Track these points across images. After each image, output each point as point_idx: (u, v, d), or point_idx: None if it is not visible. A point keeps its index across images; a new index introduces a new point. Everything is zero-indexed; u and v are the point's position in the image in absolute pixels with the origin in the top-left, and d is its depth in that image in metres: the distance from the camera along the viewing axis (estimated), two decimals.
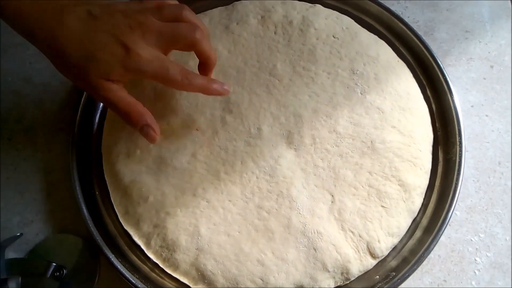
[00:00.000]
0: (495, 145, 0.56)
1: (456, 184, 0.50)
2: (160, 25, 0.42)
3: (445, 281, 0.50)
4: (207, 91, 0.46)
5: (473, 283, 0.50)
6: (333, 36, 0.58)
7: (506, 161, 0.55)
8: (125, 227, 0.51)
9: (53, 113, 0.60)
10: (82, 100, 0.57)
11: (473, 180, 0.54)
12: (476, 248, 0.51)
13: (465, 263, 0.51)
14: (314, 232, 0.48)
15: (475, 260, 0.51)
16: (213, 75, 0.56)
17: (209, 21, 0.60)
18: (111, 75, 0.41)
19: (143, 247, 0.50)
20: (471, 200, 0.53)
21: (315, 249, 0.47)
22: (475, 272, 0.50)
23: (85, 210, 0.51)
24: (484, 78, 0.60)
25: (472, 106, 0.58)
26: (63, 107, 0.60)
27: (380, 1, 0.60)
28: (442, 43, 0.62)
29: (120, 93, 0.43)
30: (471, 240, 0.52)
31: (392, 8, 0.60)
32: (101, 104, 0.59)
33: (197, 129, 0.54)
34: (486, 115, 0.58)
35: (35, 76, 0.62)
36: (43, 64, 0.63)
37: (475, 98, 0.59)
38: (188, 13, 0.45)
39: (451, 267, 0.50)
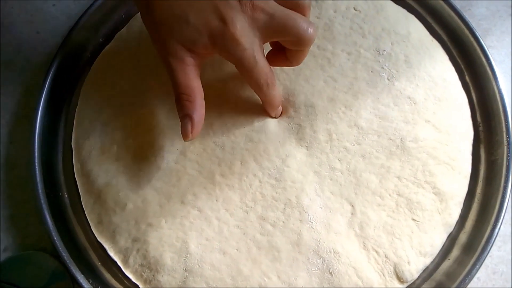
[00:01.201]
0: None
1: (504, 192, 0.41)
2: (275, 6, 0.36)
3: None
4: (273, 108, 0.42)
5: None
6: (354, 8, 0.48)
7: None
8: (99, 239, 0.42)
9: (16, 97, 0.50)
10: (48, 80, 0.47)
11: None
12: None
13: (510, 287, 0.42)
14: (330, 252, 0.39)
15: None
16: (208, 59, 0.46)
17: None
18: (195, 46, 0.36)
19: (120, 264, 0.41)
20: None
21: (330, 273, 0.38)
22: None
23: (47, 217, 0.42)
24: None
25: None
26: (29, 89, 0.50)
27: None
28: (482, 20, 0.52)
29: (188, 71, 0.37)
30: None
31: None
32: (74, 90, 0.49)
33: None
34: None
35: None
36: (6, 39, 0.53)
37: None
38: (310, 6, 0.38)
39: None
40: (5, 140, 0.49)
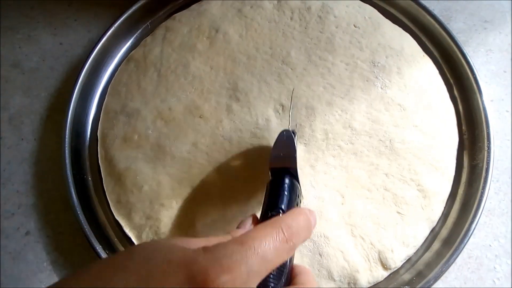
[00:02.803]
0: None
1: (482, 193, 0.45)
2: None
3: None
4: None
5: None
6: (354, 25, 0.53)
7: None
8: (116, 217, 0.47)
9: (40, 100, 0.56)
10: (78, 85, 0.53)
11: (493, 181, 0.48)
12: (496, 255, 0.46)
13: (483, 270, 0.45)
14: (321, 236, 0.43)
15: (494, 267, 0.46)
16: (221, 60, 0.52)
17: (221, 4, 0.56)
18: None
19: (133, 239, 0.46)
20: (490, 202, 0.48)
21: (320, 255, 0.42)
22: (494, 281, 0.45)
23: (74, 196, 0.47)
24: (505, 71, 0.55)
25: (491, 101, 0.53)
26: (52, 94, 0.57)
27: None
28: (459, 33, 0.57)
29: None
30: (490, 245, 0.46)
31: None
32: (100, 89, 0.55)
33: (200, 117, 0.49)
34: (507, 111, 0.52)
35: (23, 61, 0.59)
36: (32, 49, 0.60)
37: (495, 92, 0.54)
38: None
39: (468, 275, 0.45)
40: (30, 137, 0.54)
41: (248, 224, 0.34)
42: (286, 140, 0.39)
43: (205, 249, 0.25)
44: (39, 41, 0.60)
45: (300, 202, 0.37)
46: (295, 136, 0.41)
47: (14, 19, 0.61)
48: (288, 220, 0.29)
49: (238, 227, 0.34)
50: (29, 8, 0.62)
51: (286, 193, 0.35)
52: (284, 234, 0.27)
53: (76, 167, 0.50)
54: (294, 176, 0.37)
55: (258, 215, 0.36)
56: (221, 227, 0.44)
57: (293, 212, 0.31)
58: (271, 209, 0.33)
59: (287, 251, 0.27)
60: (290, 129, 0.42)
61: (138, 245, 0.30)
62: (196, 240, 0.28)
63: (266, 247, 0.26)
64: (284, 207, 0.33)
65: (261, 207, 0.37)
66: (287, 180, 0.36)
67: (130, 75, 0.53)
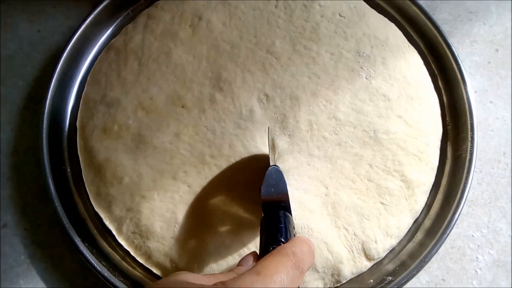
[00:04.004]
0: (500, 134, 0.51)
1: (465, 183, 0.45)
2: None
3: (443, 280, 0.45)
4: None
5: (474, 282, 0.45)
6: (339, 14, 0.52)
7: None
8: (96, 209, 0.46)
9: (17, 90, 0.54)
10: (56, 74, 0.51)
11: (476, 171, 0.48)
12: (478, 245, 0.47)
13: (466, 261, 0.46)
14: (304, 227, 0.43)
15: (477, 257, 0.46)
16: (204, 49, 0.51)
17: None
18: None
19: (114, 232, 0.45)
20: (473, 193, 0.48)
21: None
22: (476, 271, 0.46)
23: (52, 187, 0.46)
24: (489, 62, 0.55)
25: (475, 92, 0.53)
26: (29, 82, 0.55)
27: None
28: (444, 24, 0.57)
29: None
30: (473, 236, 0.47)
31: None
32: (79, 78, 0.53)
33: (183, 106, 0.48)
34: (491, 102, 0.53)
35: (1, 48, 0.56)
36: (9, 36, 0.57)
37: (479, 83, 0.54)
38: None
39: (451, 265, 0.46)
40: (6, 128, 0.53)
41: (250, 261, 0.34)
42: (276, 176, 0.39)
43: (224, 283, 0.26)
44: (16, 28, 0.58)
45: (296, 233, 0.38)
46: None
47: None
48: (293, 248, 0.30)
49: (239, 265, 0.34)
50: None
51: (283, 226, 0.35)
52: (292, 261, 0.29)
53: (54, 158, 0.48)
54: (286, 208, 0.38)
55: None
56: (204, 219, 0.44)
57: (295, 240, 0.32)
58: (272, 243, 0.33)
59: (298, 276, 0.29)
60: (274, 163, 0.41)
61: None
62: (205, 276, 0.29)
63: (281, 274, 0.27)
64: (283, 239, 0.34)
65: (258, 245, 0.37)
66: (281, 214, 0.36)
67: (110, 64, 0.52)
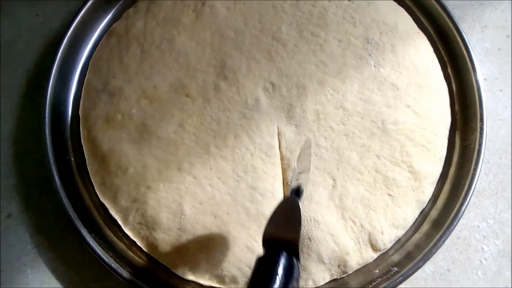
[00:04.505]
0: (509, 124, 0.50)
1: (473, 175, 0.45)
2: None
3: (448, 270, 0.45)
4: None
5: (479, 273, 0.45)
6: None
7: None
8: (102, 200, 0.46)
9: (18, 77, 0.53)
10: (57, 60, 0.50)
11: (484, 162, 0.47)
12: (484, 236, 0.47)
13: (471, 251, 0.46)
14: (311, 220, 0.43)
15: (482, 248, 0.46)
16: (208, 35, 0.50)
17: None
18: None
19: (120, 222, 0.45)
20: (480, 183, 0.48)
21: (310, 239, 0.42)
22: (481, 261, 0.46)
23: (57, 178, 0.45)
24: (499, 49, 0.54)
25: (485, 80, 0.52)
26: (30, 69, 0.54)
27: None
28: (455, 9, 0.55)
29: None
30: (479, 226, 0.47)
31: None
32: (80, 64, 0.52)
33: (187, 95, 0.48)
34: (500, 90, 0.52)
35: None
36: (7, 21, 0.56)
37: (489, 71, 0.53)
38: None
39: (456, 256, 0.46)
40: (8, 116, 0.52)
41: None
42: (289, 211, 0.31)
43: None
44: (15, 13, 0.56)
45: (298, 285, 0.31)
46: (300, 197, 0.33)
47: None
48: None
49: None
50: None
51: (279, 277, 0.29)
52: None
53: (57, 147, 0.48)
54: (293, 252, 0.30)
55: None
56: (210, 210, 0.43)
57: None
58: None
59: None
60: (293, 187, 0.33)
61: None
62: None
63: None
64: None
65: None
66: (283, 260, 0.29)
67: (112, 50, 0.51)
